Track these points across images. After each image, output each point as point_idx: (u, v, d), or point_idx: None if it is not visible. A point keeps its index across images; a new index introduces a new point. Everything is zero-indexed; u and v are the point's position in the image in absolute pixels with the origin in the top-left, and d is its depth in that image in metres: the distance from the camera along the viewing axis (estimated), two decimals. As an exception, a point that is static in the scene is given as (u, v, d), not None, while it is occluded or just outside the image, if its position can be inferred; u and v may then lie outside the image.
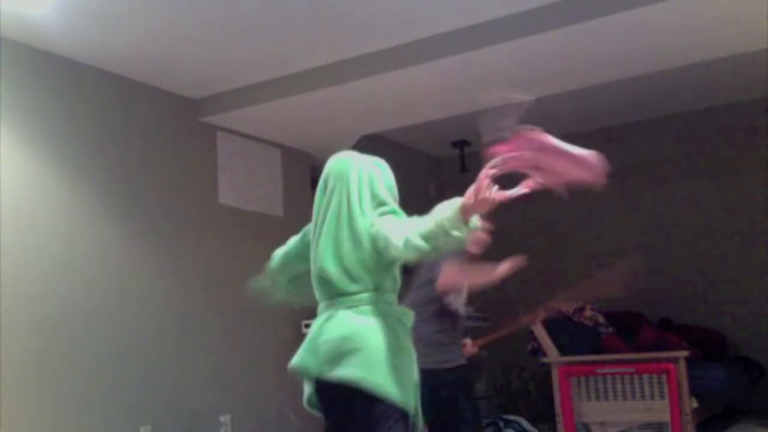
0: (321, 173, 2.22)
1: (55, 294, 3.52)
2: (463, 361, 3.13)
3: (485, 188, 1.73)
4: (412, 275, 3.04)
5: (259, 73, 4.12)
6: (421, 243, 1.79)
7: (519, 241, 6.27)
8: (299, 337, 4.84)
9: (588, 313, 4.71)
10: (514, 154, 1.82)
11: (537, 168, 1.80)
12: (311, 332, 2.09)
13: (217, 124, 4.54)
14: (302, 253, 2.25)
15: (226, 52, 3.81)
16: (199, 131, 4.46)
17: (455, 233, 1.73)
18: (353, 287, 2.01)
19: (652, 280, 5.70)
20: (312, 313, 5.34)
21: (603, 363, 4.20)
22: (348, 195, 2.06)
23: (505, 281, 2.98)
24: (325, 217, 2.09)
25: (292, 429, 4.71)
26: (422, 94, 4.29)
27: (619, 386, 4.12)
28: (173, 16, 3.36)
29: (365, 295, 2.01)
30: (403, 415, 1.95)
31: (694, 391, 4.15)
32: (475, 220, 1.77)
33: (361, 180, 2.09)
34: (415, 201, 7.12)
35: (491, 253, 2.73)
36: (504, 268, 2.86)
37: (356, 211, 2.04)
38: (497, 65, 3.87)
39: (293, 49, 3.83)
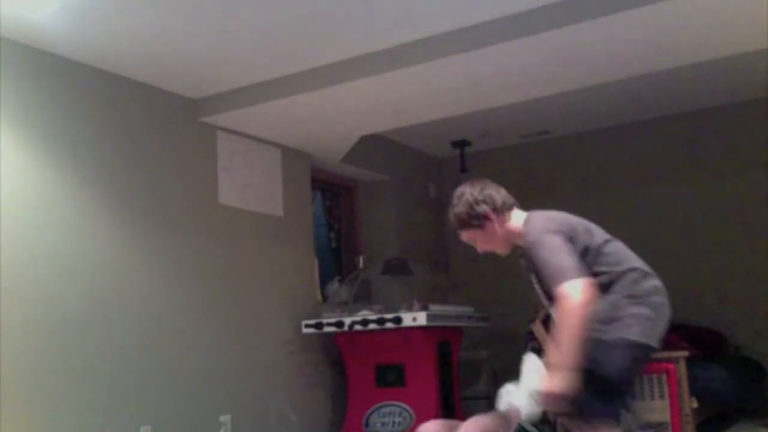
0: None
1: (55, 294, 3.52)
2: None
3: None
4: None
5: (259, 73, 4.12)
6: None
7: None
8: (299, 337, 4.88)
9: (588, 313, 4.70)
10: None
11: None
12: None
13: (217, 124, 4.54)
14: None
15: (226, 52, 3.81)
16: (199, 131, 4.46)
17: None
18: None
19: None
20: (310, 315, 5.32)
21: (603, 363, 4.20)
22: None
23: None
24: None
25: (292, 429, 4.71)
26: (422, 94, 4.29)
27: (619, 386, 4.11)
28: (173, 17, 3.36)
29: None
30: None
31: (694, 391, 4.14)
32: None
33: None
34: (415, 201, 7.12)
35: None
36: None
37: None
38: (497, 65, 3.87)
39: (293, 50, 3.83)
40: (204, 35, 3.60)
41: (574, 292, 2.25)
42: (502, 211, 2.58)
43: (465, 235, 2.64)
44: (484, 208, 2.56)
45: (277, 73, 4.13)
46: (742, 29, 3.54)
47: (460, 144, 6.17)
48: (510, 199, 2.61)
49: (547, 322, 4.54)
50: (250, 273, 4.67)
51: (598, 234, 2.50)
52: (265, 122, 4.61)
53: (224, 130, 4.61)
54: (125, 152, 3.97)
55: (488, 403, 5.57)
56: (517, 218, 2.58)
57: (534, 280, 2.56)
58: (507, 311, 5.58)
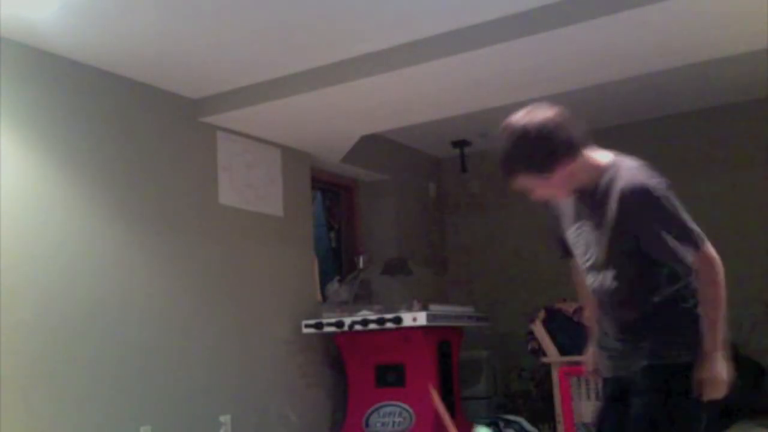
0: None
1: (55, 294, 3.52)
2: None
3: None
4: None
5: (259, 73, 4.12)
6: None
7: (520, 240, 6.27)
8: (299, 337, 4.88)
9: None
10: None
11: None
12: None
13: (217, 124, 4.54)
14: None
15: (226, 52, 3.81)
16: (199, 131, 4.46)
17: None
18: None
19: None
20: (310, 315, 5.32)
21: (603, 363, 4.20)
22: None
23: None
24: None
25: (292, 429, 4.71)
26: (422, 94, 4.28)
27: (619, 386, 4.12)
28: (173, 17, 3.36)
29: None
30: None
31: (694, 391, 4.13)
32: None
33: None
34: (415, 201, 7.12)
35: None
36: None
37: None
38: (497, 65, 3.87)
39: (293, 50, 3.83)
40: (204, 35, 3.60)
41: (718, 261, 1.91)
42: (580, 152, 2.04)
43: (522, 182, 2.05)
44: (560, 154, 1.98)
45: (277, 73, 4.12)
46: (742, 29, 3.54)
47: (460, 144, 6.17)
48: (586, 133, 2.08)
49: (549, 319, 4.54)
50: (250, 273, 4.67)
51: None
52: (265, 122, 4.61)
53: (224, 130, 4.61)
54: (125, 152, 3.97)
55: (488, 403, 5.57)
56: (597, 154, 2.12)
57: (587, 230, 2.09)
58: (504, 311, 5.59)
